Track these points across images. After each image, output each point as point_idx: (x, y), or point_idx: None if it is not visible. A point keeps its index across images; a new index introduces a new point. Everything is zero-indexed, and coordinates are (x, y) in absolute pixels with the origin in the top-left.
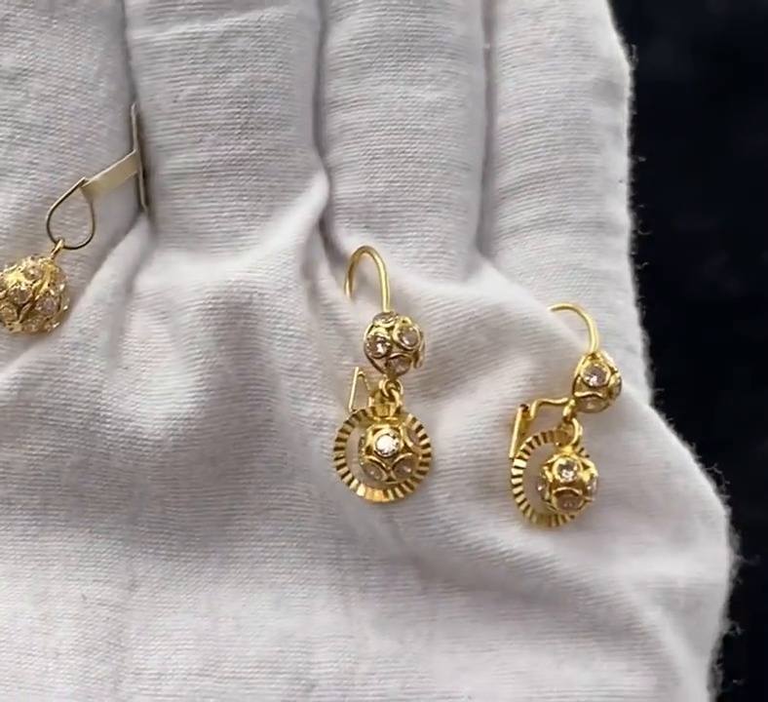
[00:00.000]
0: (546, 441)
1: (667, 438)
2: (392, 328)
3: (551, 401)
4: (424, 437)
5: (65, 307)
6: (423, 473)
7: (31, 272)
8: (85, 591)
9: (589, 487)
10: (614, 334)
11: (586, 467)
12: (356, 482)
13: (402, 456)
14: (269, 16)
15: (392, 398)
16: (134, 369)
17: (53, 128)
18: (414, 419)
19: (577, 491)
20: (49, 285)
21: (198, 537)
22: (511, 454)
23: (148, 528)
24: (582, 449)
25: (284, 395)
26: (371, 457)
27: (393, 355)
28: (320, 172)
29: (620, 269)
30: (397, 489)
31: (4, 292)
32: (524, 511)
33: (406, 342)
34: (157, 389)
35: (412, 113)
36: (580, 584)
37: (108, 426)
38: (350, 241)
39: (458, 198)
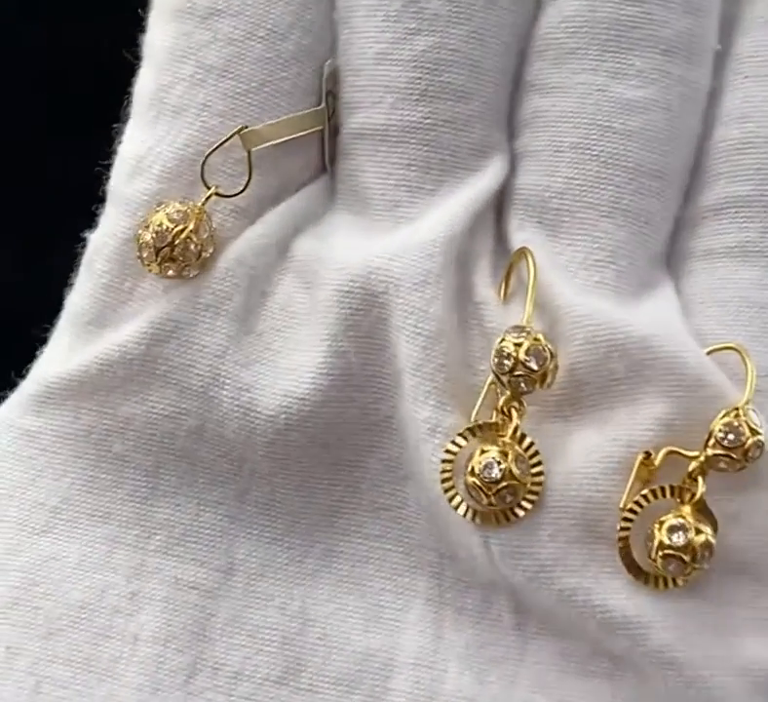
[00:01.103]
0: (665, 495)
1: None
2: (520, 344)
3: (681, 451)
4: (538, 464)
5: (207, 255)
6: (531, 502)
7: (175, 216)
8: (180, 571)
9: (699, 555)
10: None
11: (699, 532)
12: (458, 499)
13: (504, 483)
14: None
15: (510, 417)
16: (266, 336)
17: (231, 72)
18: (531, 444)
19: (685, 557)
20: (191, 231)
21: (304, 524)
22: (621, 504)
23: (255, 508)
24: (705, 510)
25: (406, 394)
26: (474, 479)
27: (517, 373)
28: (501, 153)
29: None
30: (498, 516)
31: (146, 232)
32: (626, 565)
33: (533, 363)
34: (284, 362)
35: (607, 108)
36: (673, 658)
37: (226, 393)
38: (519, 236)
39: (640, 207)
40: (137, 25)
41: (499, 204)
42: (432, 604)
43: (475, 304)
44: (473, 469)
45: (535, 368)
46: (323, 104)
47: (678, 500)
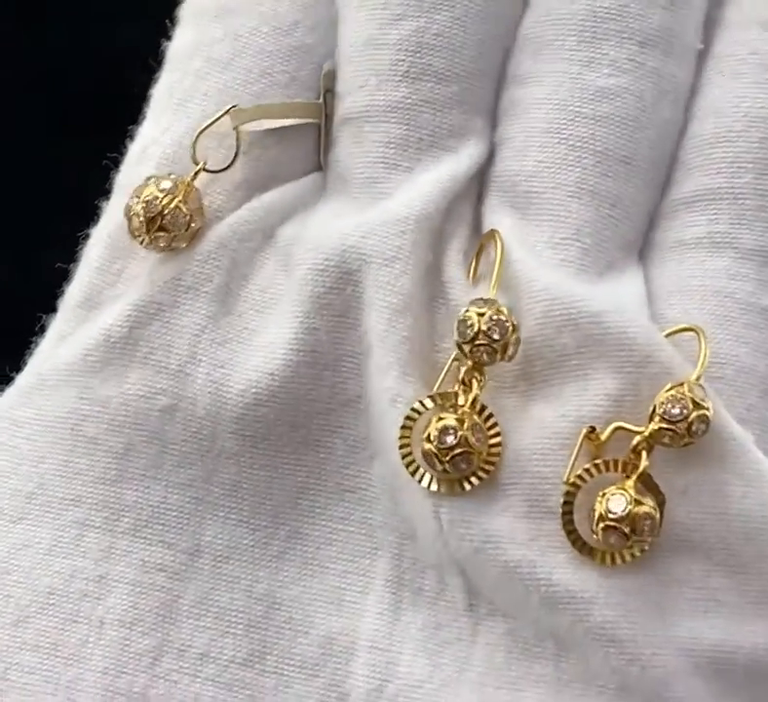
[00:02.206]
0: (609, 469)
1: None
2: (483, 314)
3: (628, 427)
4: (496, 435)
5: (196, 227)
6: (486, 472)
7: (165, 186)
8: (147, 554)
9: (639, 526)
10: (752, 374)
11: (640, 503)
12: (415, 465)
13: (459, 450)
14: None
15: (470, 387)
16: (246, 316)
17: (234, 65)
18: (490, 415)
19: (624, 529)
20: (180, 200)
21: (269, 505)
22: (564, 477)
23: (222, 490)
24: (650, 484)
25: (373, 366)
26: (430, 446)
27: (478, 343)
28: (479, 138)
29: None
30: (452, 483)
31: (136, 203)
32: (572, 540)
33: (495, 333)
34: (259, 339)
35: (579, 95)
36: (614, 635)
37: (201, 370)
38: (492, 218)
39: (606, 189)
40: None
41: (479, 192)
42: (391, 586)
43: (442, 283)
44: (429, 435)
45: (497, 338)
46: (320, 99)
47: (624, 475)
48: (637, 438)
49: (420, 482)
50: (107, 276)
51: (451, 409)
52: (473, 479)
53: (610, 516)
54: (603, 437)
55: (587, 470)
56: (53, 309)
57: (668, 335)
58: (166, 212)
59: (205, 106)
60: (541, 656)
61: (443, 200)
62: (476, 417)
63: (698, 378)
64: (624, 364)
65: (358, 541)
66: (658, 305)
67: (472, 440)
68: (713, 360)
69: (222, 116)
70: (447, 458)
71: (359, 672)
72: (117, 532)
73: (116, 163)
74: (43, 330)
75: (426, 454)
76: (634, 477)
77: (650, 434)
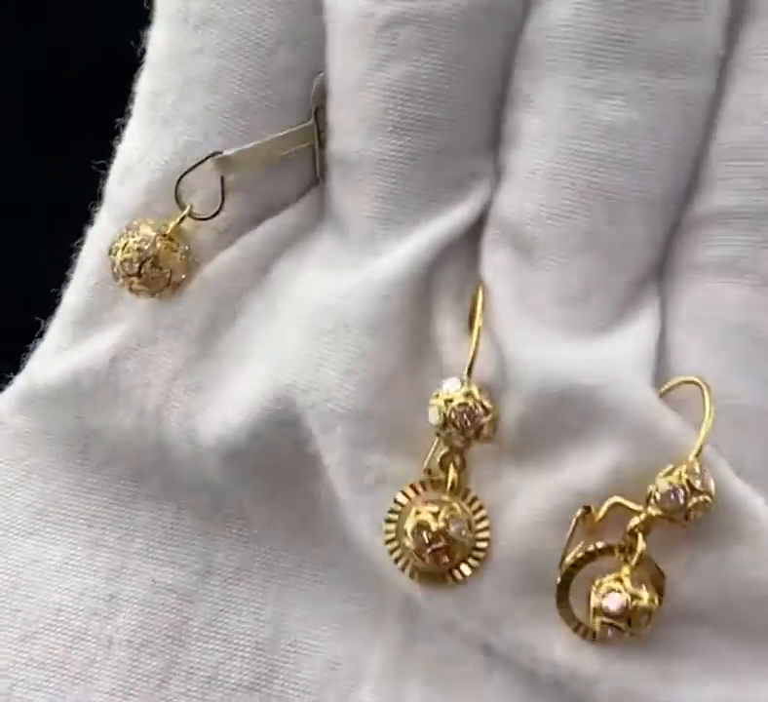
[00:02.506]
0: (605, 554)
1: None
2: (450, 401)
3: (625, 503)
4: (483, 519)
5: (178, 280)
6: (477, 560)
7: (142, 243)
8: (158, 574)
9: (635, 621)
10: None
11: (636, 597)
12: (404, 559)
13: (438, 545)
14: (444, 6)
15: (448, 472)
16: (224, 361)
17: (217, 88)
18: (474, 499)
19: (620, 625)
20: (156, 259)
21: (277, 529)
22: (559, 561)
23: (231, 512)
24: (649, 567)
25: (350, 439)
26: (408, 542)
27: (447, 431)
28: (482, 182)
29: None
30: (436, 577)
31: (116, 257)
32: (571, 627)
33: (463, 419)
34: (229, 390)
35: (587, 132)
36: None
37: (174, 418)
38: (491, 259)
39: (617, 237)
40: (144, 28)
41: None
42: (406, 615)
43: (434, 340)
44: (407, 531)
45: (467, 424)
46: (311, 120)
47: (622, 557)
48: (635, 520)
49: (410, 577)
50: (105, 296)
51: (433, 499)
52: (463, 567)
53: (606, 612)
54: (600, 515)
55: (581, 557)
56: (50, 312)
57: (673, 387)
58: (143, 271)
59: (190, 133)
60: (562, 699)
61: (436, 255)
62: (457, 505)
63: (700, 451)
64: (623, 436)
65: (366, 570)
66: (677, 338)
67: (451, 532)
68: (731, 403)
69: (204, 162)
70: (427, 554)
71: (365, 699)
72: (130, 552)
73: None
74: (41, 335)
75: (407, 551)
76: (632, 563)
77: (646, 518)
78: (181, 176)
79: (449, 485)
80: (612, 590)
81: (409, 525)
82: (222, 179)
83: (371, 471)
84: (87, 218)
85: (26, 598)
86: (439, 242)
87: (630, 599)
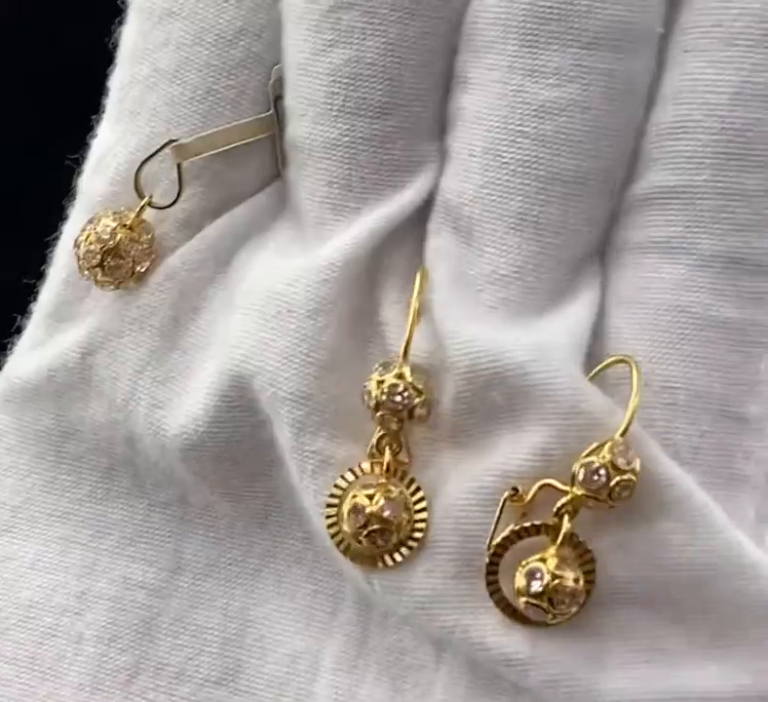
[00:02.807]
0: (532, 534)
1: (722, 534)
2: (382, 382)
3: (555, 484)
4: (420, 501)
5: (142, 270)
6: (415, 540)
7: (103, 234)
8: (129, 570)
9: (557, 601)
10: (707, 397)
11: (557, 577)
12: (346, 543)
13: (373, 527)
14: None
15: (384, 455)
16: (189, 353)
17: (180, 79)
18: (412, 481)
19: (542, 604)
20: (117, 249)
21: (240, 526)
22: (486, 544)
23: (198, 509)
24: (576, 547)
25: (292, 424)
26: (345, 526)
27: (379, 413)
28: (429, 166)
29: (750, 317)
30: (376, 558)
31: (79, 249)
32: (500, 608)
33: (394, 402)
34: (194, 380)
35: (521, 110)
36: (556, 693)
37: (141, 409)
38: (434, 241)
39: (552, 217)
40: None
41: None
42: (360, 607)
43: (377, 325)
44: (344, 515)
45: (398, 407)
46: (271, 110)
47: (550, 538)
48: (560, 501)
49: (351, 560)
50: (76, 289)
51: (372, 483)
52: (403, 550)
53: (529, 592)
54: (529, 496)
55: (508, 537)
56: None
57: (603, 368)
58: (105, 262)
59: (154, 124)
60: (501, 691)
61: (379, 239)
62: (392, 488)
63: (626, 429)
64: (549, 416)
65: (326, 562)
66: (615, 319)
67: (386, 514)
68: (665, 384)
69: (160, 150)
70: (363, 536)
71: (321, 692)
72: (101, 549)
73: None
74: (19, 331)
75: (346, 534)
76: (557, 543)
77: (572, 498)
78: (140, 167)
79: (385, 467)
80: (532, 572)
81: (346, 508)
82: (179, 167)
83: (316, 455)
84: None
85: None
86: (383, 226)
87: (551, 579)
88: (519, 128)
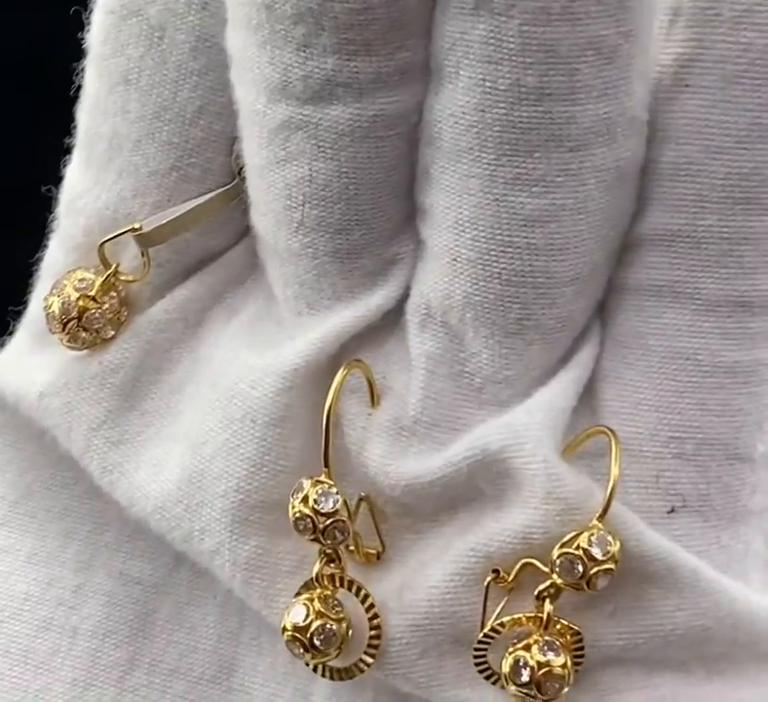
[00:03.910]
0: (516, 624)
1: (713, 595)
2: (306, 499)
3: (537, 564)
4: (371, 607)
5: (107, 337)
6: (375, 647)
7: (74, 297)
8: (127, 566)
9: (545, 688)
10: (715, 444)
11: (544, 666)
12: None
13: (318, 639)
14: (332, 117)
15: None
16: (147, 417)
17: (142, 151)
18: (359, 591)
19: (532, 692)
20: (91, 312)
21: None
22: (477, 633)
23: None
24: (561, 629)
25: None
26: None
27: (308, 538)
28: (400, 265)
29: (759, 357)
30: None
31: (51, 305)
32: (492, 682)
33: (321, 516)
34: (150, 451)
35: (507, 221)
36: None
37: (93, 468)
38: (420, 337)
39: (553, 315)
40: None
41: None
42: None
43: (339, 417)
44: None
45: (325, 522)
46: (236, 180)
47: (533, 624)
48: (541, 586)
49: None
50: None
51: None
52: (362, 662)
53: (517, 682)
54: (511, 575)
55: (494, 629)
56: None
57: (581, 441)
58: (68, 329)
59: (121, 186)
60: None
61: (345, 339)
62: (328, 601)
63: (604, 512)
64: (529, 500)
65: None
66: (618, 366)
67: (333, 626)
68: (673, 435)
69: (123, 234)
70: (310, 645)
71: (318, 693)
72: (99, 545)
73: None
74: (11, 333)
75: (289, 642)
76: (542, 628)
77: (552, 585)
78: (103, 243)
79: (315, 578)
80: (520, 659)
81: (288, 618)
82: (146, 252)
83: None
84: None
85: None
86: (353, 326)
87: (537, 668)
88: (508, 238)
